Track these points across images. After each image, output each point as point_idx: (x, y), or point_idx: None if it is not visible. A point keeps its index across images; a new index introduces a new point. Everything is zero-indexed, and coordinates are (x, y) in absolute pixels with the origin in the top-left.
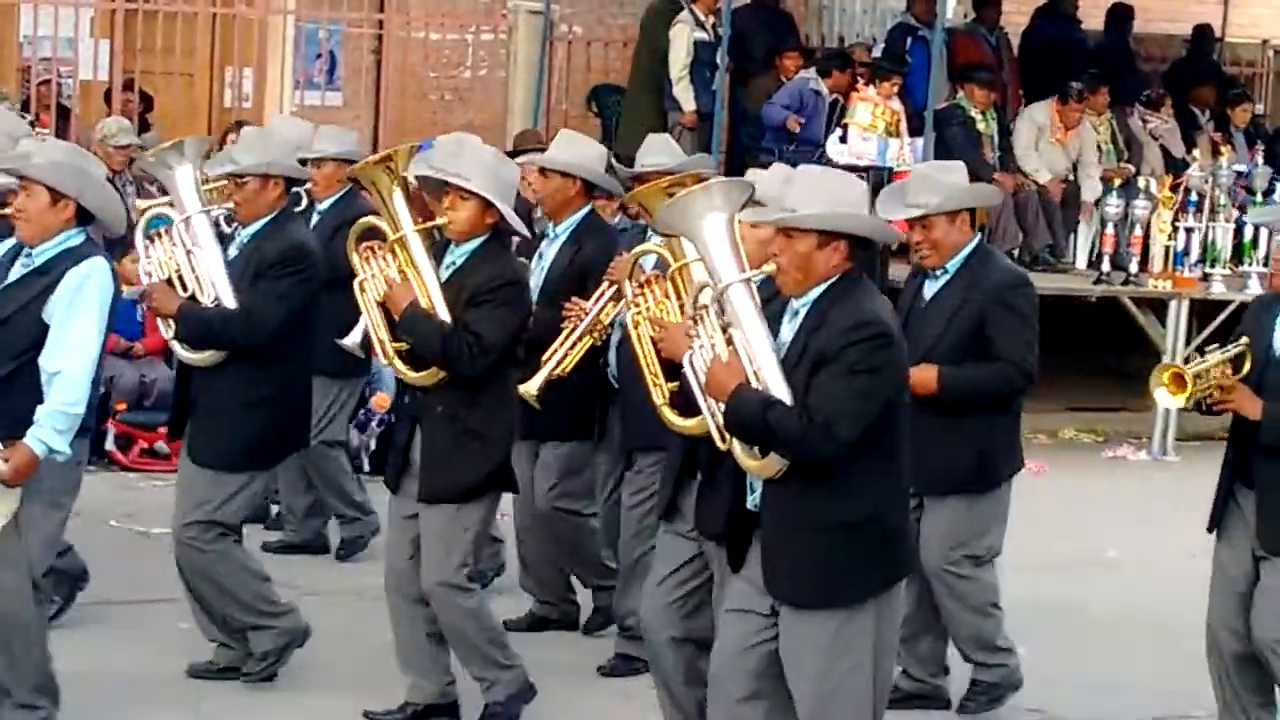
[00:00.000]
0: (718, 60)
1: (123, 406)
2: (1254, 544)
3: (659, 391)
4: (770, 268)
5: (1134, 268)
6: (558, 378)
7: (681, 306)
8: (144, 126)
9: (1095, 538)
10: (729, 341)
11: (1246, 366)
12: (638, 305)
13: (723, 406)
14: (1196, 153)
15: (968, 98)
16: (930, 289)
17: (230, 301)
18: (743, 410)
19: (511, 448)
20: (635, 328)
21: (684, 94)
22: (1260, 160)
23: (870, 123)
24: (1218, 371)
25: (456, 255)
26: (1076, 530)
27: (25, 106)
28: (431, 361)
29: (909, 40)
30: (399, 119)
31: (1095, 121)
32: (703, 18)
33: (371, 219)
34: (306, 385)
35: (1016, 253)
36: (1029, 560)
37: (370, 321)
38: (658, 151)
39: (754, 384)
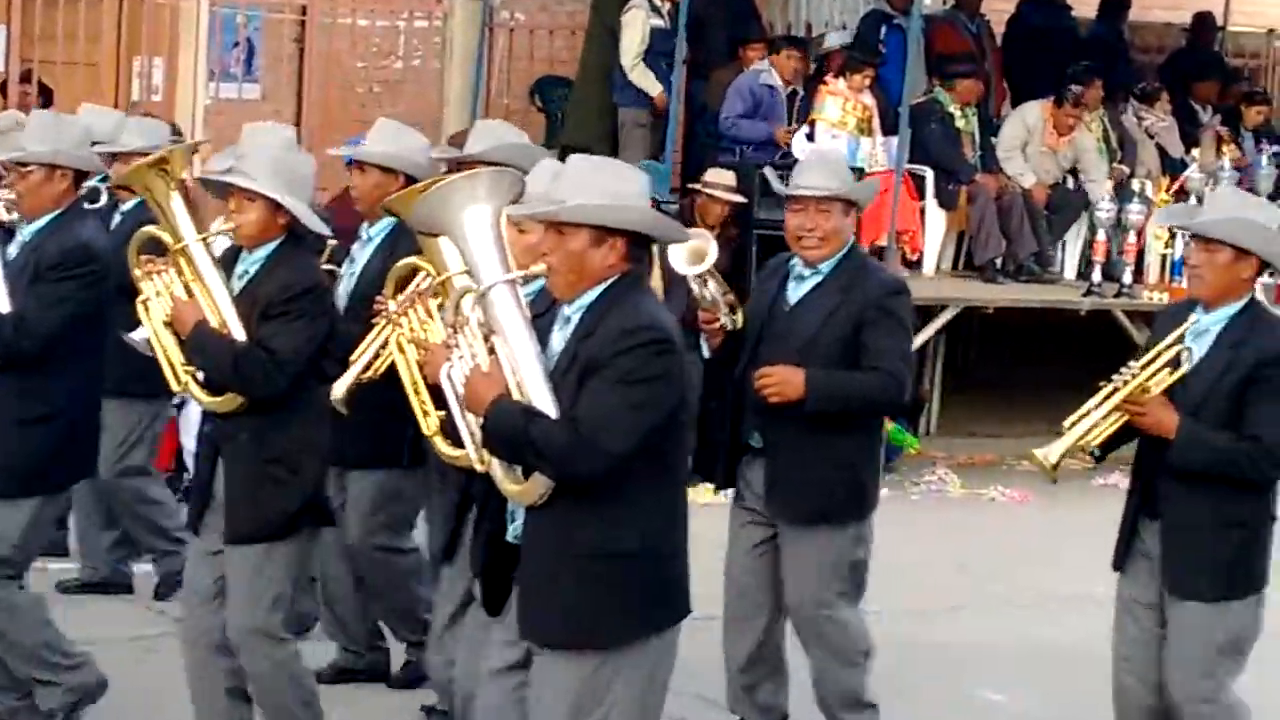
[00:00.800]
0: (675, 50)
1: None
2: (1159, 583)
3: (427, 420)
4: (540, 268)
5: (1128, 278)
6: (369, 381)
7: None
8: None
9: (1083, 573)
10: (491, 350)
11: (1180, 371)
12: (400, 326)
13: (481, 421)
14: (1196, 152)
15: (947, 92)
16: (796, 291)
17: (5, 305)
18: (502, 423)
19: (325, 476)
20: (400, 352)
21: (643, 78)
22: (1265, 160)
23: (840, 119)
24: (1116, 409)
25: (249, 263)
26: (1063, 565)
27: None
28: (227, 385)
29: (883, 28)
30: (323, 113)
31: (1088, 119)
32: (659, 3)
33: (152, 229)
34: (94, 401)
35: (1000, 261)
36: (1011, 598)
37: (158, 345)
38: (483, 138)
39: (516, 396)
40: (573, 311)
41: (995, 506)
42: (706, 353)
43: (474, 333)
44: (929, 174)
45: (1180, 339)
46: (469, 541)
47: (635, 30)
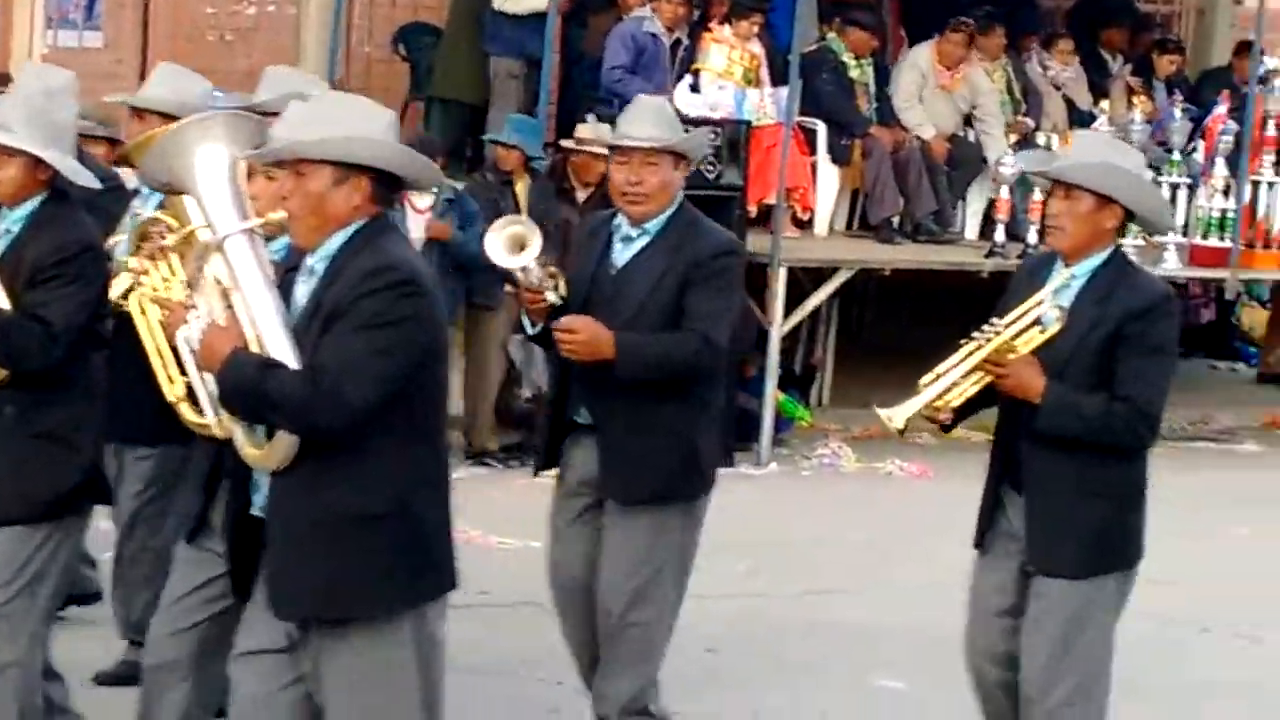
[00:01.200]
0: None
1: None
2: (1023, 559)
3: (172, 386)
4: (279, 215)
5: (1033, 238)
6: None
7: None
8: None
9: None
10: (229, 306)
11: (1050, 331)
12: (142, 285)
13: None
14: (1106, 104)
15: (840, 40)
16: (623, 253)
17: None
18: (236, 377)
19: (103, 449)
20: (142, 313)
21: (516, 3)
22: (1178, 112)
23: (726, 68)
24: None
25: (10, 222)
26: (963, 544)
27: None
28: None
29: None
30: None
31: (989, 68)
32: None
33: None
34: None
35: (897, 221)
36: (909, 579)
37: None
38: (271, 86)
39: (256, 350)
40: (316, 261)
41: (892, 481)
42: (530, 330)
43: (211, 288)
44: (821, 127)
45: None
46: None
47: None
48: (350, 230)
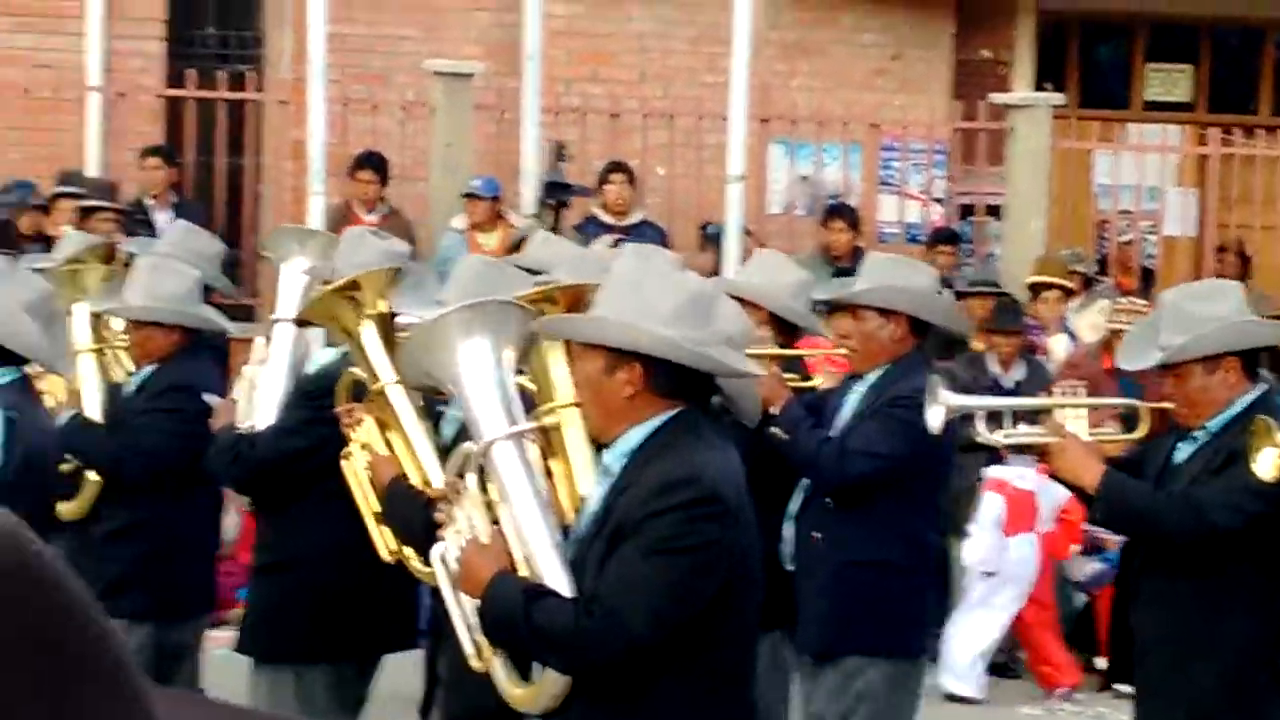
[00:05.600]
0: None
1: None
2: None
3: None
4: (552, 419)
5: None
6: None
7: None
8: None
9: None
10: (495, 520)
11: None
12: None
13: (477, 605)
14: None
15: None
16: (1184, 451)
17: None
18: (499, 606)
19: None
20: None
21: None
22: None
23: None
24: None
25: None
26: None
27: (1102, 267)
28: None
29: None
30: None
31: None
32: None
33: (356, 371)
34: None
35: None
36: None
37: (363, 506)
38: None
39: (524, 572)
40: (613, 460)
41: None
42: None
43: (474, 499)
44: None
45: None
46: None
47: None
48: (651, 426)
